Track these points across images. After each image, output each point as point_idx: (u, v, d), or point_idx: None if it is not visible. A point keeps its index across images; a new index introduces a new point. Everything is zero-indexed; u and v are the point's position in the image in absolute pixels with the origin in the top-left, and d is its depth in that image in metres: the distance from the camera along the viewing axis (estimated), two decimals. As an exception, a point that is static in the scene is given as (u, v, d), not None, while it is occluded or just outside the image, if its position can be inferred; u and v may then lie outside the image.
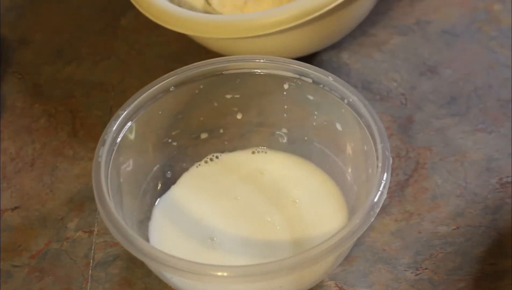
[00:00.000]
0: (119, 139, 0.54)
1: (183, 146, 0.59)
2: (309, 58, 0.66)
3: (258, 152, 0.61)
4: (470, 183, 0.61)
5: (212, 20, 0.62)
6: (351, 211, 0.56)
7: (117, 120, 0.54)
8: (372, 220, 0.49)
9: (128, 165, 0.56)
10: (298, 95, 0.57)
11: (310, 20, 0.60)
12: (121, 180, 0.55)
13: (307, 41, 0.65)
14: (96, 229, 0.60)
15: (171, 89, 0.56)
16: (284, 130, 0.60)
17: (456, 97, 0.66)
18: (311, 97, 0.57)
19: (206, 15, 0.63)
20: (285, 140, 0.60)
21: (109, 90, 0.68)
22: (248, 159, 0.60)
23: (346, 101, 0.55)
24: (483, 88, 0.66)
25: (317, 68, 0.56)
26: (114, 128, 0.54)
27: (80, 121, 0.66)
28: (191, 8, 0.66)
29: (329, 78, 0.55)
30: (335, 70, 0.68)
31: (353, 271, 0.57)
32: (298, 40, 0.64)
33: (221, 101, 0.59)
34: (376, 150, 0.52)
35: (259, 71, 0.57)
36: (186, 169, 0.60)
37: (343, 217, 0.56)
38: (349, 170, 0.57)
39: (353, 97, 0.54)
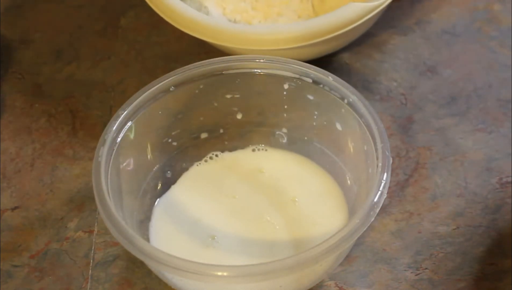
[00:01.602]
0: (119, 139, 0.54)
1: (183, 146, 0.59)
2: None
3: (258, 149, 0.61)
4: (470, 183, 0.61)
5: (236, 30, 0.61)
6: (351, 211, 0.56)
7: (117, 120, 0.54)
8: (372, 220, 0.49)
9: (128, 165, 0.56)
10: (298, 95, 0.57)
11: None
12: (121, 180, 0.55)
13: (320, 50, 0.65)
14: (96, 229, 0.60)
15: (171, 89, 0.56)
16: (284, 130, 0.60)
17: (456, 97, 0.66)
18: (311, 97, 0.57)
19: (228, 23, 0.63)
20: (285, 140, 0.60)
21: (109, 90, 0.68)
22: (248, 157, 0.60)
23: (346, 101, 0.55)
24: (483, 88, 0.66)
25: (317, 68, 0.56)
26: (114, 128, 0.54)
27: (80, 121, 0.66)
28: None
29: (329, 78, 0.55)
30: (335, 70, 0.68)
31: (353, 271, 0.57)
32: (317, 49, 0.64)
33: (221, 101, 0.59)
34: (376, 150, 0.52)
35: (259, 71, 0.57)
36: (186, 169, 0.60)
37: (343, 217, 0.56)
38: (349, 170, 0.57)
39: (353, 97, 0.54)
